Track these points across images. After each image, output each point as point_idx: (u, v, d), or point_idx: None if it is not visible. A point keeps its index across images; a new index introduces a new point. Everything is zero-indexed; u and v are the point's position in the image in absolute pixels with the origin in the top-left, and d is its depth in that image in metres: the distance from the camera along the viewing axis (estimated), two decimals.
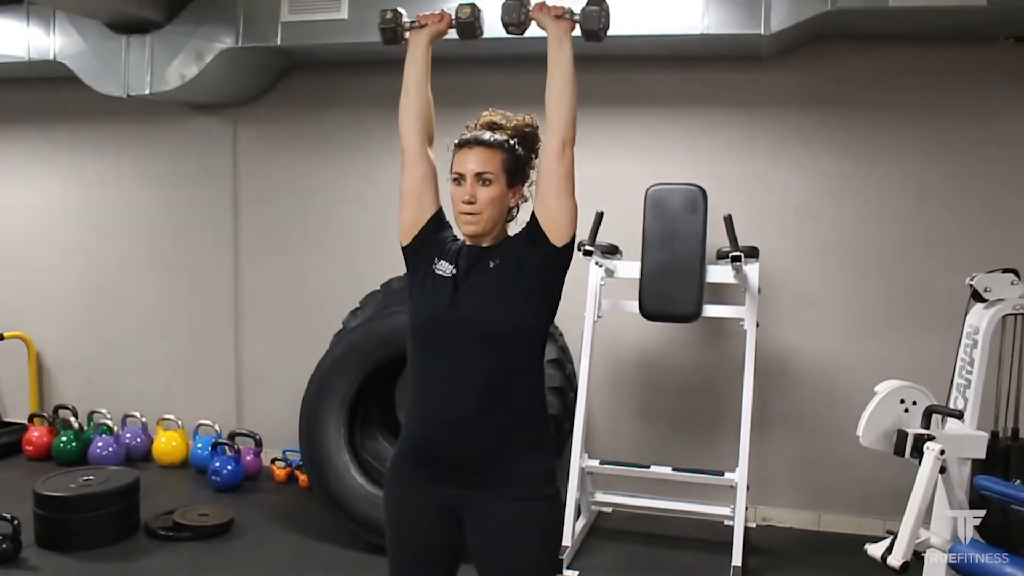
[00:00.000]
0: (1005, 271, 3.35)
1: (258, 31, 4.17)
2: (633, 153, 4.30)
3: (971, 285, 3.34)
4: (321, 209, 4.87)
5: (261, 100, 4.90)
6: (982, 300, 3.34)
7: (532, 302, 1.88)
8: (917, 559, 3.04)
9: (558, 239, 1.87)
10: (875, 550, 3.10)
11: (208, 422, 4.91)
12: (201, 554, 3.71)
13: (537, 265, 1.88)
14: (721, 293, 4.01)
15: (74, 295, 5.36)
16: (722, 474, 3.77)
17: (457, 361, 1.86)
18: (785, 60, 4.08)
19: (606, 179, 3.94)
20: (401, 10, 2.04)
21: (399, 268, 4.15)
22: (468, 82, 4.32)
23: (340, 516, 3.83)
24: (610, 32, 3.77)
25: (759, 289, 3.80)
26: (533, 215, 1.91)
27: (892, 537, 3.05)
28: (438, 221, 2.00)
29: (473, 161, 1.90)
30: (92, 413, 5.08)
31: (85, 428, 5.03)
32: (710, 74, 4.20)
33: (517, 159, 1.95)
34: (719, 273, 3.84)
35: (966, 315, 3.38)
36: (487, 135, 1.93)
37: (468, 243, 1.98)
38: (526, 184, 1.99)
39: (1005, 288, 3.34)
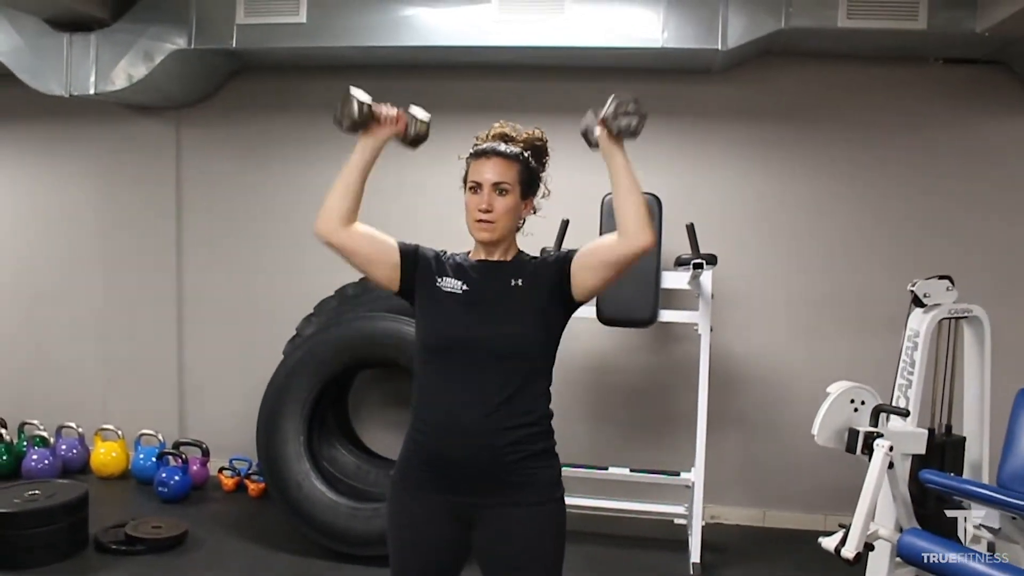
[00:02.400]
0: (941, 278, 3.58)
1: (212, 32, 4.09)
2: (592, 162, 4.38)
3: (912, 291, 3.55)
4: (270, 215, 4.79)
5: (207, 103, 4.81)
6: (922, 305, 3.56)
7: (547, 326, 1.96)
8: (866, 549, 3.22)
9: (579, 295, 1.95)
10: (829, 543, 3.24)
11: (151, 431, 4.77)
12: (157, 568, 3.60)
13: (553, 301, 1.95)
14: (673, 298, 4.13)
15: (3, 299, 5.14)
16: (678, 474, 3.89)
17: (471, 375, 1.89)
18: (733, 75, 4.25)
19: (567, 188, 3.96)
20: (370, 101, 1.93)
21: (352, 274, 4.15)
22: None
23: (301, 524, 3.78)
24: (572, 44, 3.91)
25: (712, 295, 3.94)
26: (569, 260, 1.94)
27: (844, 530, 3.21)
28: (410, 253, 2.00)
29: (491, 171, 1.94)
30: (23, 424, 4.88)
31: (15, 441, 4.82)
32: (662, 87, 4.34)
33: (531, 172, 2.00)
34: (673, 279, 3.96)
35: (907, 319, 3.60)
36: (503, 146, 1.97)
37: (477, 256, 2.01)
38: (537, 196, 2.04)
39: (941, 294, 3.57)
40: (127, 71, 4.17)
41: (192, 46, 4.12)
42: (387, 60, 4.34)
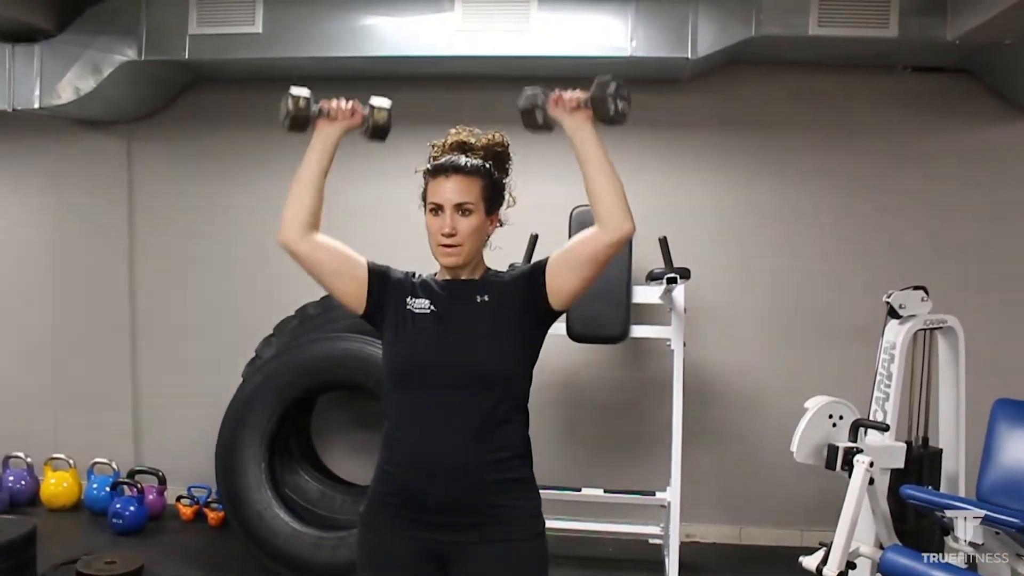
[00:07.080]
0: (916, 288, 3.53)
1: (163, 43, 3.93)
2: (560, 175, 4.27)
3: (887, 302, 3.49)
4: (227, 232, 4.62)
5: (158, 117, 4.63)
6: (897, 316, 3.51)
7: (518, 345, 1.82)
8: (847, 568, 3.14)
9: (557, 304, 1.82)
10: (810, 562, 3.17)
11: (104, 460, 4.55)
12: None
13: (527, 315, 1.82)
14: (644, 313, 4.04)
15: None
16: (653, 494, 3.79)
17: (443, 402, 1.77)
18: (701, 84, 4.19)
19: (536, 201, 3.87)
20: (308, 96, 1.85)
21: (313, 293, 4.01)
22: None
23: (262, 555, 3.63)
24: (538, 53, 3.81)
25: (684, 308, 3.86)
26: (541, 269, 1.82)
27: (825, 548, 3.14)
28: (379, 274, 1.88)
29: (451, 190, 1.80)
30: None
31: None
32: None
33: (495, 184, 1.87)
34: (644, 294, 3.88)
35: (883, 331, 3.54)
36: (463, 160, 1.84)
37: (444, 276, 1.89)
38: (502, 208, 1.92)
39: (917, 304, 3.52)
40: (74, 84, 3.98)
41: (143, 57, 3.95)
42: (346, 71, 4.19)
